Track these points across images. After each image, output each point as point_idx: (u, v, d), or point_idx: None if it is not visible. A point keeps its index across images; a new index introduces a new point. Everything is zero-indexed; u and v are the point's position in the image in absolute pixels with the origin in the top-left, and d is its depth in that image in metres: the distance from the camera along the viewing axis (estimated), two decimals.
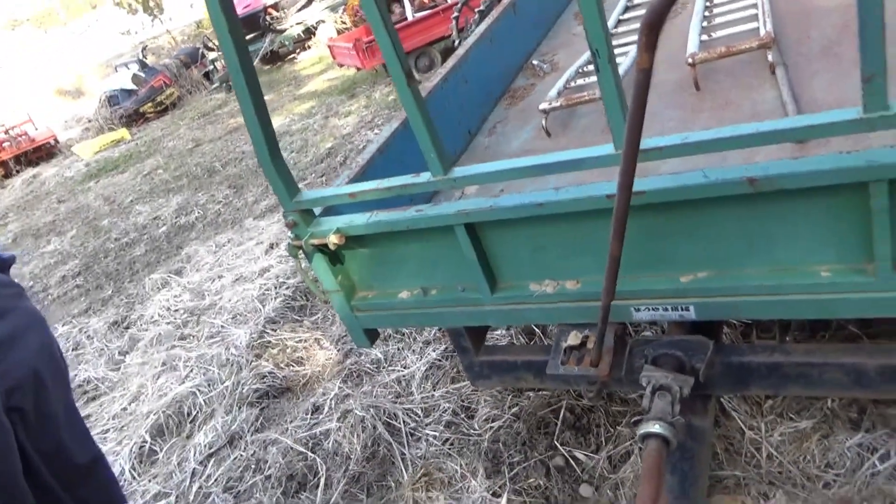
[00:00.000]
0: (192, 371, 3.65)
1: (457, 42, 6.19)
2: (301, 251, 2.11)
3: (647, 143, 1.57)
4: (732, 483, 2.01)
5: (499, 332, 3.04)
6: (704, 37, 2.94)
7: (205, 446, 3.02)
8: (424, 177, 1.88)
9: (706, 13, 3.20)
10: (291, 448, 2.80)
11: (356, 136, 7.56)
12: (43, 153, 14.98)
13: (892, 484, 1.82)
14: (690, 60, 2.67)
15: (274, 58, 16.09)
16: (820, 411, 2.08)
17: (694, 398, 2.02)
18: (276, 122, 9.91)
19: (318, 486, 2.59)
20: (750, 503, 1.93)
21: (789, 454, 2.01)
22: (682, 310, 1.76)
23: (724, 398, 2.27)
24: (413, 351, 3.17)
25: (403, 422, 2.74)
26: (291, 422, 3.00)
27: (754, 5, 3.03)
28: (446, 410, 2.72)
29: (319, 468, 2.66)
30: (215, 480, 2.84)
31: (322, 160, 7.17)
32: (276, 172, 2.04)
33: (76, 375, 4.23)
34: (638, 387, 1.81)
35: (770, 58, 2.56)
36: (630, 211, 1.61)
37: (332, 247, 2.04)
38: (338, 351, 3.43)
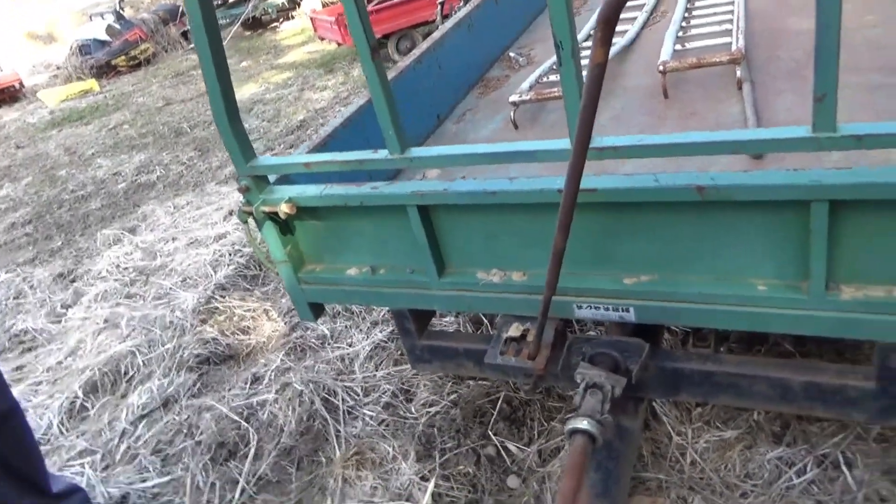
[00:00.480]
0: (133, 331, 3.57)
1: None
2: (252, 217, 2.08)
3: (603, 141, 1.58)
4: (654, 485, 2.05)
5: (448, 318, 3.04)
6: (678, 46, 2.97)
7: (138, 407, 2.96)
8: (382, 154, 1.86)
9: (683, 23, 3.23)
10: (226, 416, 2.77)
11: (329, 112, 7.47)
12: (6, 96, 14.46)
13: (805, 498, 1.88)
14: (662, 68, 2.69)
15: (256, 24, 15.78)
16: (746, 422, 2.13)
17: (626, 399, 2.05)
18: (251, 89, 9.74)
19: (247, 456, 2.56)
20: None
21: (712, 462, 2.05)
22: (622, 311, 1.77)
23: (656, 402, 2.30)
24: (360, 330, 3.15)
25: (342, 399, 2.72)
26: (230, 390, 2.96)
27: (729, 21, 3.07)
28: (386, 392, 2.71)
29: (251, 438, 2.63)
30: (144, 442, 2.79)
31: (292, 132, 7.06)
32: (233, 135, 1.99)
33: (13, 325, 4.11)
34: (574, 383, 1.83)
35: (738, 73, 2.59)
36: (581, 208, 1.63)
37: (282, 216, 2.00)
38: (285, 324, 3.39)
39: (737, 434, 2.09)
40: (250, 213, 2.06)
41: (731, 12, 3.16)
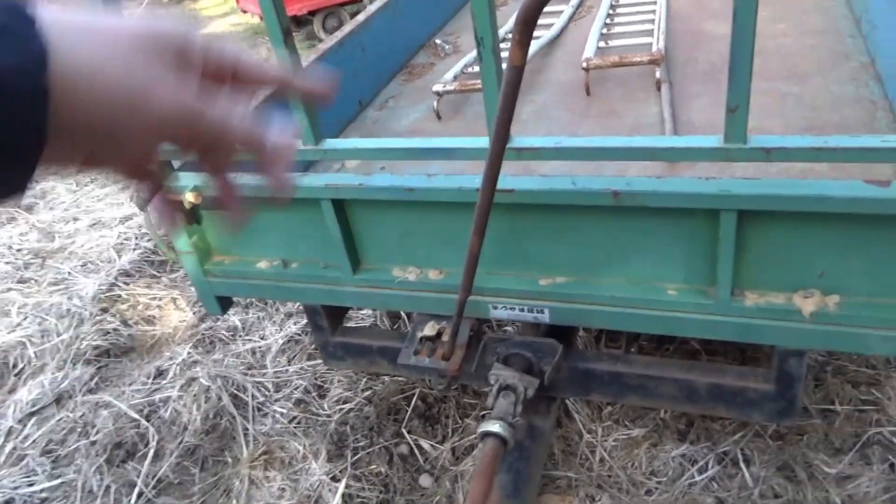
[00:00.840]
0: (25, 319, 3.32)
1: None
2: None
3: (522, 141, 1.55)
4: (564, 483, 2.07)
5: (365, 311, 2.98)
6: (602, 44, 2.99)
7: (27, 403, 2.75)
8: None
9: (607, 20, 3.25)
10: (125, 413, 2.61)
11: None
12: None
13: (706, 495, 1.94)
14: (585, 65, 2.70)
15: None
16: (653, 421, 2.18)
17: (539, 399, 2.06)
18: None
19: (146, 457, 2.42)
20: None
21: (620, 459, 2.09)
22: (537, 312, 1.77)
23: (570, 400, 2.33)
24: (273, 322, 3.04)
25: (252, 395, 2.62)
26: (130, 385, 2.79)
27: (651, 21, 3.12)
28: (298, 387, 2.62)
29: (151, 437, 2.49)
30: (33, 442, 2.59)
31: None
32: None
33: None
34: (488, 381, 1.82)
35: (658, 74, 2.63)
36: (498, 209, 1.60)
37: (187, 205, 1.88)
38: (194, 314, 3.23)
39: (644, 432, 2.14)
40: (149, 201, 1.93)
41: (654, 12, 3.21)
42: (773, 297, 1.54)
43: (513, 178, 1.59)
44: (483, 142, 1.59)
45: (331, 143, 1.73)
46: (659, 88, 2.62)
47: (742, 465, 1.99)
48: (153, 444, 2.45)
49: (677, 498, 1.93)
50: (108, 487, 2.33)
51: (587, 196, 1.52)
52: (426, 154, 1.63)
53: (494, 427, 1.63)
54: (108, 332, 3.12)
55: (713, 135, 1.42)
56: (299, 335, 2.92)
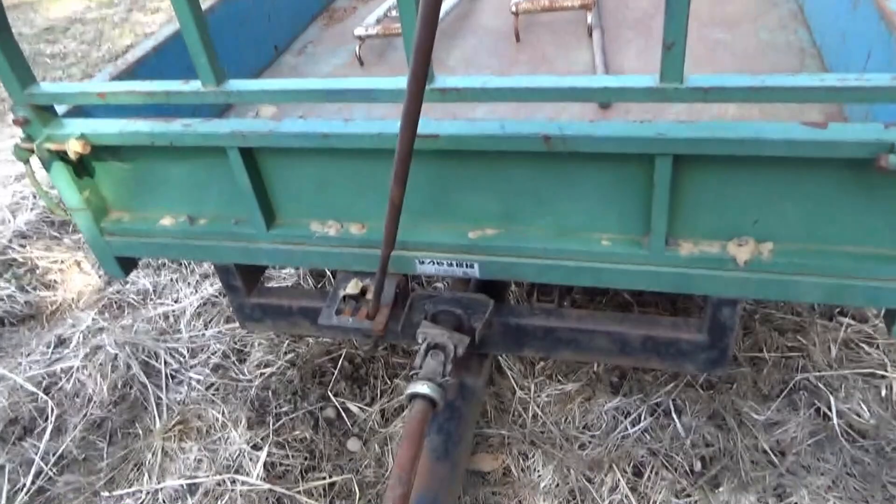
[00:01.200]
0: None
1: None
2: (34, 156, 1.72)
3: (445, 81, 1.43)
4: (497, 441, 2.02)
5: (287, 270, 2.82)
6: None
7: None
8: (193, 85, 1.58)
9: None
10: (21, 387, 2.38)
11: None
12: None
13: (638, 447, 1.93)
14: (514, 9, 2.59)
15: None
16: (586, 375, 2.15)
17: (470, 356, 1.98)
18: (69, 6, 8.51)
19: (45, 432, 2.22)
20: (510, 462, 1.95)
21: (553, 415, 2.05)
22: (467, 266, 1.68)
23: (502, 356, 2.27)
24: (188, 283, 2.83)
25: (165, 362, 2.44)
26: (28, 355, 2.55)
27: None
28: (216, 352, 2.46)
29: (51, 411, 2.28)
30: None
31: (116, 57, 6.26)
32: (1, 52, 1.60)
33: None
34: (416, 341, 1.72)
35: (589, 20, 2.54)
36: (422, 156, 1.48)
37: (73, 155, 1.68)
38: (99, 277, 2.98)
39: (577, 386, 2.11)
40: (32, 151, 1.71)
41: None
42: (708, 245, 1.50)
43: (437, 122, 1.47)
44: (404, 81, 1.46)
45: (234, 84, 1.55)
46: (590, 34, 2.54)
47: (674, 415, 1.98)
48: (52, 418, 2.25)
49: (610, 451, 1.91)
50: (2, 468, 2.13)
51: (517, 141, 1.42)
52: (343, 96, 1.49)
53: (422, 388, 1.54)
54: (2, 299, 2.84)
55: (648, 74, 1.33)
56: (216, 297, 2.73)
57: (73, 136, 1.68)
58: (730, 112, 2.00)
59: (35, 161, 1.75)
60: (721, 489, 1.80)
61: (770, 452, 1.87)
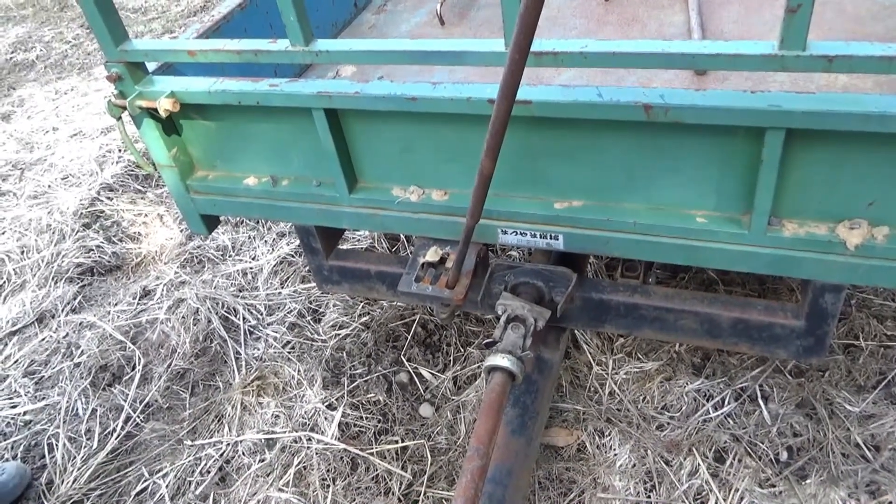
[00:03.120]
0: (3, 234, 3.16)
1: None
2: (126, 112, 1.76)
3: (540, 45, 1.36)
4: (572, 417, 1.98)
5: (361, 232, 2.82)
6: None
7: (7, 322, 2.63)
8: (282, 44, 1.57)
9: None
10: (110, 335, 2.49)
11: None
12: None
13: (720, 432, 1.85)
14: None
15: None
16: (667, 353, 2.07)
17: (548, 329, 1.94)
18: None
19: (133, 380, 2.32)
20: (585, 438, 1.91)
21: (631, 393, 2.00)
22: (551, 238, 1.63)
23: (579, 331, 2.22)
24: (265, 242, 2.88)
25: (243, 318, 2.50)
26: (115, 305, 2.66)
27: None
28: (292, 311, 2.50)
29: (138, 360, 2.38)
30: (15, 362, 2.48)
31: (196, 13, 6.35)
32: (97, 8, 1.62)
33: None
34: (494, 311, 1.69)
35: None
36: (513, 123, 1.42)
37: (163, 113, 1.70)
38: (181, 232, 3.07)
39: (657, 366, 2.04)
40: (123, 108, 1.74)
41: None
42: (815, 227, 1.40)
43: (530, 87, 1.41)
44: (498, 45, 1.39)
45: (322, 45, 1.53)
46: None
47: (760, 401, 1.90)
48: (140, 367, 2.35)
49: (691, 434, 1.85)
50: (94, 411, 2.24)
51: (614, 110, 1.35)
52: (432, 58, 1.44)
53: (503, 361, 1.52)
54: (91, 250, 2.97)
55: (765, 42, 1.23)
56: (292, 256, 2.77)
57: (164, 93, 1.70)
58: (839, 84, 1.85)
59: (125, 117, 1.78)
60: (809, 481, 1.72)
61: (863, 446, 1.77)
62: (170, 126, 1.84)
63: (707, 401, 1.92)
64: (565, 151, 1.50)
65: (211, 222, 2.06)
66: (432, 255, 1.78)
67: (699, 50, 1.27)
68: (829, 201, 1.36)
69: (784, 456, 1.79)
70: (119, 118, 1.79)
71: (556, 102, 1.38)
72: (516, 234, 1.65)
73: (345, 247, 2.31)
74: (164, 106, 1.68)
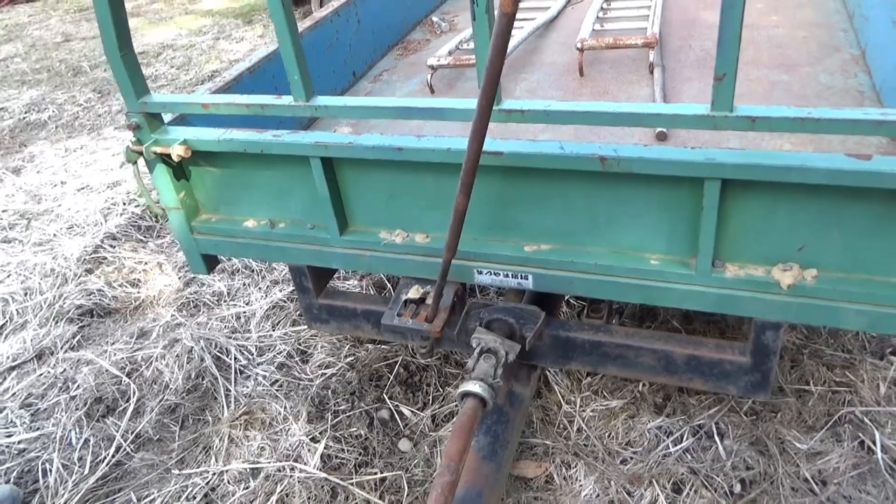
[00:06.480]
0: (8, 277, 3.30)
1: None
2: (141, 158, 1.94)
3: (510, 104, 1.57)
4: (541, 450, 2.09)
5: (351, 281, 2.99)
6: (598, 26, 3.00)
7: (7, 357, 2.74)
8: (286, 100, 1.78)
9: (604, 4, 3.27)
10: (106, 370, 2.60)
11: None
12: None
13: (679, 465, 1.97)
14: (579, 45, 2.72)
15: None
16: (630, 393, 2.21)
17: (520, 367, 2.08)
18: (162, 33, 9.15)
19: (126, 412, 2.42)
20: (553, 470, 2.02)
21: (597, 429, 2.12)
22: (521, 278, 1.78)
23: (549, 371, 2.35)
24: (259, 288, 3.04)
25: (235, 358, 2.62)
26: (112, 344, 2.78)
27: (647, 7, 3.13)
28: (281, 352, 2.63)
29: (132, 394, 2.49)
30: (13, 395, 2.58)
31: (202, 82, 6.70)
32: (123, 65, 1.84)
33: None
34: (471, 349, 1.83)
35: (651, 58, 2.65)
36: (486, 172, 1.62)
37: (176, 158, 1.89)
38: (179, 278, 3.22)
39: (622, 404, 2.17)
40: (140, 154, 1.93)
41: None
42: (753, 269, 1.56)
43: (502, 141, 1.61)
44: (472, 103, 1.60)
45: (322, 100, 1.74)
46: (652, 72, 2.64)
47: (716, 437, 2.02)
48: (133, 400, 2.45)
49: (651, 467, 1.96)
50: (87, 441, 2.33)
51: (575, 161, 1.53)
52: (416, 113, 1.64)
53: (474, 387, 1.65)
54: (92, 293, 3.11)
55: (700, 104, 1.44)
56: (284, 302, 2.92)
57: (177, 140, 1.89)
58: (784, 148, 2.06)
59: (140, 162, 1.97)
60: None
61: (811, 481, 1.89)
62: (180, 171, 2.02)
63: (667, 437, 2.04)
64: (534, 199, 1.69)
65: (211, 262, 2.21)
66: (414, 292, 1.93)
67: (645, 110, 1.49)
68: (764, 245, 1.53)
69: (738, 488, 1.90)
70: (135, 162, 1.97)
71: (524, 153, 1.57)
72: (490, 274, 1.82)
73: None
74: (177, 152, 1.87)
